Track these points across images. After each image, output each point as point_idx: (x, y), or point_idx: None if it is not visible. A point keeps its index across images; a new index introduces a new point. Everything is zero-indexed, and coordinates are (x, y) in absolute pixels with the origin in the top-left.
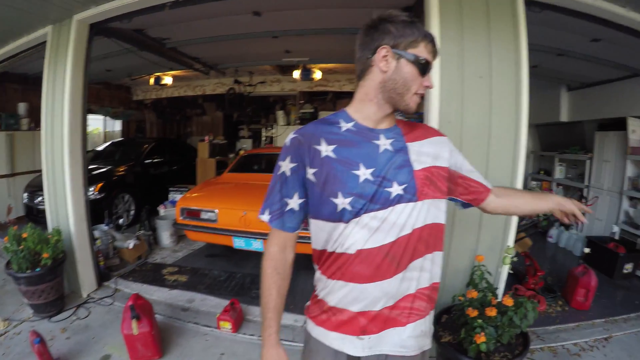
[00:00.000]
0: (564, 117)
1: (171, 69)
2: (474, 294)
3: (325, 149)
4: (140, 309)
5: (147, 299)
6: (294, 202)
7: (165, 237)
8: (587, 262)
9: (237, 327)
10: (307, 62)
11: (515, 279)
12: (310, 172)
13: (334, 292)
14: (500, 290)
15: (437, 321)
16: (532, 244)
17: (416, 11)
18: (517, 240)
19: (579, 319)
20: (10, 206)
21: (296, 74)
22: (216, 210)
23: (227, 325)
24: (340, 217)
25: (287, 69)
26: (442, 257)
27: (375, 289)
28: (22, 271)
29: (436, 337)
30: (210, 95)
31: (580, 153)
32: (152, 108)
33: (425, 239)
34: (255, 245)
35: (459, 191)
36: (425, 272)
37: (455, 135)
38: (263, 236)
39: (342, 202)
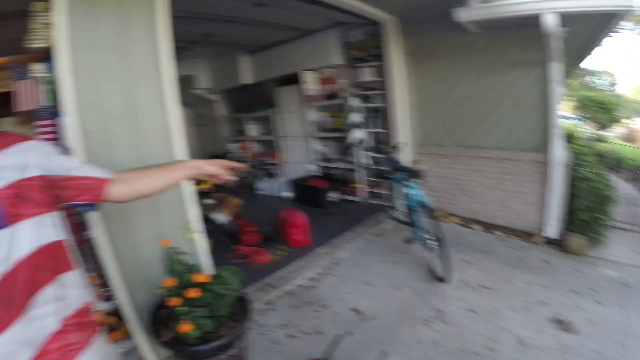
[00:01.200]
0: (247, 79)
1: None
2: (169, 281)
3: None
4: None
5: None
6: None
7: None
8: (300, 201)
9: None
10: None
11: (236, 241)
12: None
13: None
14: (205, 265)
15: (154, 321)
16: (244, 202)
17: None
18: (223, 203)
19: (305, 255)
20: None
21: None
22: None
23: None
24: None
25: None
26: (78, 275)
27: (2, 342)
28: None
29: (158, 336)
30: None
31: (267, 110)
32: None
33: (42, 266)
34: None
35: (74, 195)
36: (60, 300)
37: (97, 120)
38: None
39: None
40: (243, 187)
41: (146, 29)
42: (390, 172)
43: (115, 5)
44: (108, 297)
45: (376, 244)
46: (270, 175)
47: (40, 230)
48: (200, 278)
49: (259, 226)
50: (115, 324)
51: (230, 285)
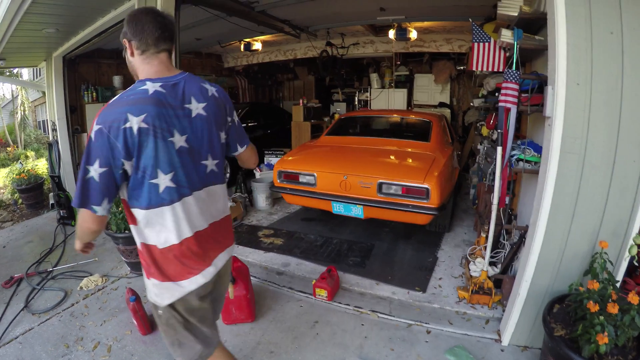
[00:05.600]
0: None
1: (262, 33)
2: (595, 285)
3: None
4: (237, 271)
5: (242, 260)
6: None
7: (261, 199)
8: None
9: (332, 295)
10: (402, 20)
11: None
12: None
13: None
14: (617, 285)
15: (548, 311)
16: None
17: None
18: None
19: None
20: None
21: (391, 34)
22: (315, 174)
23: (322, 293)
24: None
25: (380, 30)
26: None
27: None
28: (121, 231)
29: (548, 329)
30: (302, 59)
31: None
32: (244, 74)
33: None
34: (355, 211)
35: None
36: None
37: (584, 99)
38: (363, 202)
39: None
40: None
41: None
42: None
43: None
44: (494, 263)
45: None
46: None
47: None
48: (632, 298)
49: None
50: (487, 289)
51: None
